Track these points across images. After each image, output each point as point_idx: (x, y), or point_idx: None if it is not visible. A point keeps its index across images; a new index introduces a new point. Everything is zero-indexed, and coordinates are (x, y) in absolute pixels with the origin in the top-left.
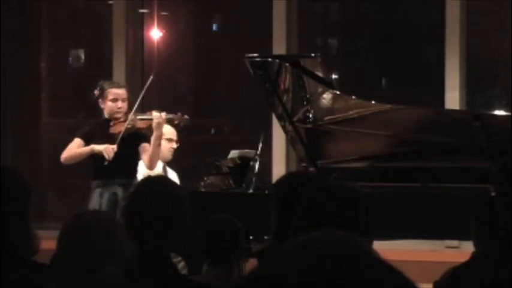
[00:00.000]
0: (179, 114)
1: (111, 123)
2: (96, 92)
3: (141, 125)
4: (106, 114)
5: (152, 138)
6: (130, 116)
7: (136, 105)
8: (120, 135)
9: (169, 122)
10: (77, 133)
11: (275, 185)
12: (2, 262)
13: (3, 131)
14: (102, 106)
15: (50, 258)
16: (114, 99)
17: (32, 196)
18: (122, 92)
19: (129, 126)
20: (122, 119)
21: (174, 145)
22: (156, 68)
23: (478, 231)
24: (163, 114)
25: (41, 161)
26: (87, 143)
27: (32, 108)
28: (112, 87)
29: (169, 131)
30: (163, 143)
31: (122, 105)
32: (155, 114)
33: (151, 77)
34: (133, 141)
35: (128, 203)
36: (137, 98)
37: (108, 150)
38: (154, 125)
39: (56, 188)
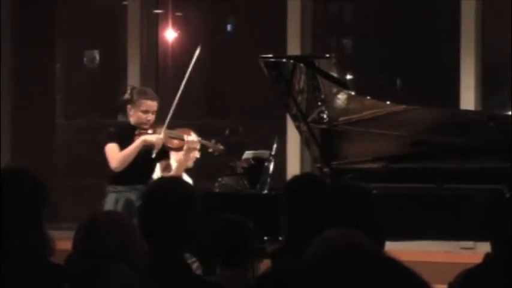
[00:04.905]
0: (213, 141)
1: (136, 132)
2: (127, 96)
3: (172, 144)
4: (132, 121)
5: (180, 161)
6: (163, 131)
7: (167, 121)
8: (155, 151)
9: (203, 148)
10: (108, 138)
11: (285, 188)
12: (17, 263)
13: (19, 132)
14: (130, 112)
15: (65, 258)
16: (145, 111)
17: (48, 198)
18: (154, 104)
19: (163, 143)
20: (148, 131)
21: (197, 154)
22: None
23: (493, 232)
24: (198, 141)
25: (56, 162)
26: (119, 144)
27: (47, 109)
28: (146, 99)
29: (194, 140)
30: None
31: (152, 117)
32: (189, 139)
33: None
34: (157, 154)
35: (141, 203)
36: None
37: (159, 141)
38: (185, 148)
39: (70, 188)
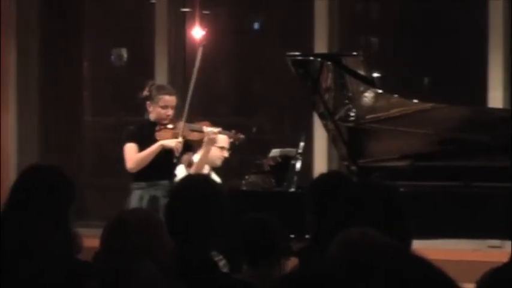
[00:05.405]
0: (233, 131)
1: (157, 128)
2: (146, 92)
3: (192, 136)
4: (152, 118)
5: (201, 154)
6: (181, 125)
7: (185, 114)
8: (176, 155)
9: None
10: (127, 138)
11: (311, 186)
12: (45, 260)
13: (47, 129)
14: (149, 109)
15: (92, 256)
16: (164, 106)
17: (76, 196)
18: (173, 99)
19: (183, 136)
20: (168, 125)
21: (226, 154)
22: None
23: None
24: (217, 131)
25: (83, 159)
26: (138, 144)
27: (74, 106)
28: (164, 94)
29: (222, 139)
30: (216, 149)
31: (171, 112)
32: (209, 130)
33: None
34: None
35: (168, 201)
36: (180, 101)
37: (178, 145)
38: (205, 140)
39: (98, 186)
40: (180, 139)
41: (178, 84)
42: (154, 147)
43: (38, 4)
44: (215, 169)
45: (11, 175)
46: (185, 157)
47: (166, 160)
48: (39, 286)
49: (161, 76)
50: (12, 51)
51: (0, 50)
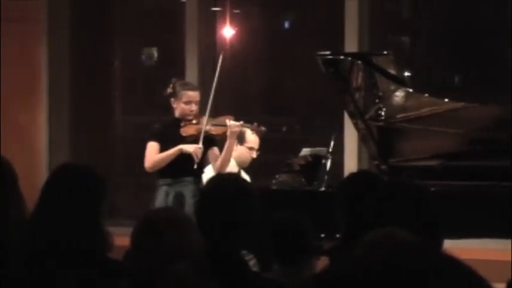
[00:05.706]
0: (255, 124)
1: (182, 124)
2: (169, 90)
3: (216, 131)
4: (176, 114)
5: (225, 147)
6: (205, 119)
7: (208, 109)
8: (201, 140)
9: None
10: (149, 136)
11: (341, 185)
12: (77, 258)
13: (78, 128)
14: (174, 105)
15: (123, 254)
16: (187, 102)
17: (107, 194)
18: (196, 94)
19: (206, 130)
20: (192, 121)
21: (254, 154)
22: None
23: None
24: (240, 124)
25: (114, 158)
26: (160, 143)
27: (105, 106)
28: (187, 90)
29: (252, 140)
30: (244, 149)
31: (195, 108)
32: (231, 123)
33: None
34: (203, 144)
35: (198, 199)
36: (207, 98)
37: (197, 151)
38: (229, 133)
39: (129, 184)
40: (200, 145)
41: (208, 84)
42: (173, 151)
43: (69, 3)
44: (245, 168)
45: (43, 174)
46: (212, 153)
47: (190, 157)
48: (70, 284)
49: (192, 75)
50: (44, 51)
51: (32, 49)
